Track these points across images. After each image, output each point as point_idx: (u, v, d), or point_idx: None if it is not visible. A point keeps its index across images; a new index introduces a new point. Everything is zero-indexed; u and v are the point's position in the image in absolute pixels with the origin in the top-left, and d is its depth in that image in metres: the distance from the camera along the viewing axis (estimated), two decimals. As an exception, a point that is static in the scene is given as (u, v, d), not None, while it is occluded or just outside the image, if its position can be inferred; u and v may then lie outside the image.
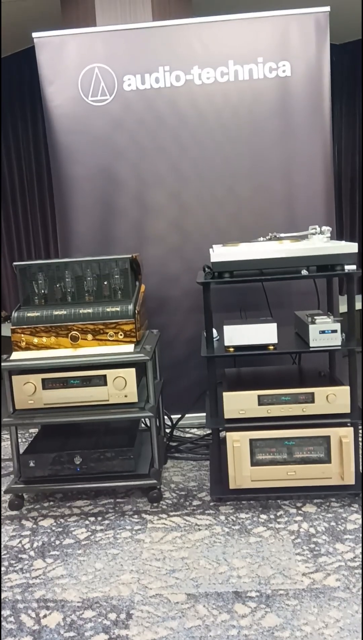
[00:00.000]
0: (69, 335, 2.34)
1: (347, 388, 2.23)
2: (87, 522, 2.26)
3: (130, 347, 2.33)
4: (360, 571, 1.83)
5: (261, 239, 2.58)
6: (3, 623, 1.70)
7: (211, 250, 2.26)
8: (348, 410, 2.24)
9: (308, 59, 2.92)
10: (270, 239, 2.54)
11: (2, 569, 1.99)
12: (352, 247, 2.18)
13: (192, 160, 3.01)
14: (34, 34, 2.95)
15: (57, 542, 2.13)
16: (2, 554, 2.08)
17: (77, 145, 3.01)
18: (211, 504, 2.33)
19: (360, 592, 1.73)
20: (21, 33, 4.54)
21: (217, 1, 4.19)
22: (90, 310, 2.35)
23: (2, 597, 1.83)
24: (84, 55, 2.96)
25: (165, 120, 2.98)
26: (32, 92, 5.10)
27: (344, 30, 4.93)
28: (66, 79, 2.97)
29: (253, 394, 2.25)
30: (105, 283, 2.42)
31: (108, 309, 2.35)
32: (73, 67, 2.96)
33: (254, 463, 2.24)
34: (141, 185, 3.03)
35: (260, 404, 2.25)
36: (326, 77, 2.94)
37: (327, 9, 2.89)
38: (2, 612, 1.75)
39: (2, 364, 2.30)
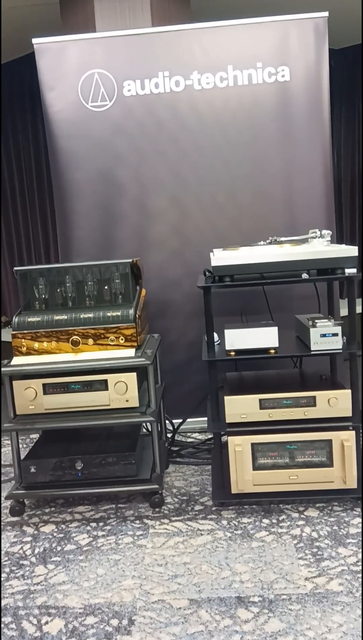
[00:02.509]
0: (70, 340, 2.34)
1: (349, 391, 2.23)
2: (88, 527, 2.25)
3: (131, 352, 2.32)
4: (362, 575, 1.83)
5: (262, 243, 2.58)
6: (5, 630, 1.70)
7: (211, 254, 2.27)
8: (350, 414, 2.23)
9: (307, 63, 2.93)
10: (270, 243, 2.55)
11: (4, 575, 1.98)
12: (352, 251, 2.18)
13: (192, 165, 3.02)
14: (34, 40, 2.96)
15: (59, 548, 2.12)
16: (3, 560, 2.07)
17: (78, 150, 3.02)
18: (213, 508, 2.32)
19: (362, 596, 1.72)
20: (21, 39, 4.56)
21: (216, 7, 4.21)
22: (91, 315, 2.35)
23: (3, 604, 1.82)
24: (84, 60, 2.96)
25: (165, 125, 2.99)
26: (32, 98, 5.12)
27: (343, 35, 4.95)
28: (66, 85, 2.98)
29: (255, 397, 2.25)
30: (106, 288, 2.42)
31: (109, 314, 2.34)
32: (73, 73, 2.97)
33: (256, 467, 2.24)
34: (141, 190, 3.04)
35: (261, 407, 2.25)
36: (325, 82, 2.95)
37: (326, 14, 2.91)
38: (4, 619, 1.74)
39: (3, 369, 2.29)
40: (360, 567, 1.87)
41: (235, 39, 2.93)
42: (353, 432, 2.21)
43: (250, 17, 2.95)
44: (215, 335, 2.41)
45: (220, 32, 2.93)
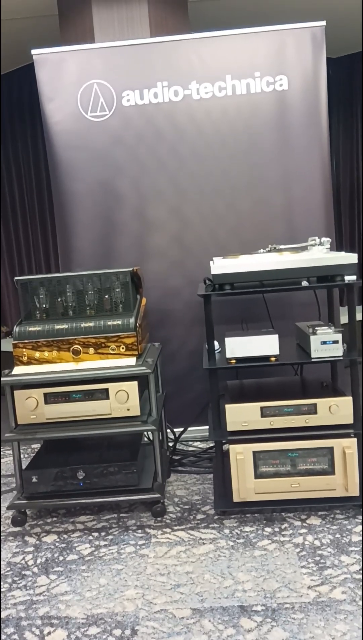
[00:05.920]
0: (71, 349, 2.34)
1: (350, 399, 2.23)
2: (90, 537, 2.25)
3: (132, 360, 2.33)
4: (362, 584, 1.82)
5: (262, 250, 2.59)
6: (7, 641, 1.69)
7: (211, 262, 2.27)
8: (351, 421, 2.23)
9: (304, 72, 2.95)
10: (270, 251, 2.56)
11: (6, 586, 1.97)
12: (351, 258, 2.19)
13: (191, 175, 3.03)
14: (34, 51, 2.99)
15: (61, 558, 2.12)
16: (5, 570, 2.07)
17: (77, 161, 3.04)
18: (215, 517, 2.32)
19: (362, 606, 1.71)
20: (21, 50, 4.60)
21: (213, 17, 4.24)
22: (91, 324, 2.35)
23: (6, 615, 1.81)
24: (83, 71, 2.99)
25: (164, 135, 3.01)
26: (31, 109, 5.15)
27: (340, 43, 4.98)
28: (66, 95, 3.00)
29: (256, 405, 2.25)
30: (106, 297, 2.42)
31: (109, 323, 2.35)
32: (72, 84, 2.99)
33: (258, 475, 2.23)
34: (141, 200, 3.05)
35: (262, 415, 2.25)
36: (323, 91, 2.97)
37: (323, 23, 2.93)
38: (6, 630, 1.74)
39: (4, 379, 2.30)
40: (361, 576, 1.86)
41: (233, 49, 2.95)
42: (355, 440, 2.20)
43: (247, 27, 2.97)
44: (216, 343, 2.42)
45: (218, 42, 2.96)
